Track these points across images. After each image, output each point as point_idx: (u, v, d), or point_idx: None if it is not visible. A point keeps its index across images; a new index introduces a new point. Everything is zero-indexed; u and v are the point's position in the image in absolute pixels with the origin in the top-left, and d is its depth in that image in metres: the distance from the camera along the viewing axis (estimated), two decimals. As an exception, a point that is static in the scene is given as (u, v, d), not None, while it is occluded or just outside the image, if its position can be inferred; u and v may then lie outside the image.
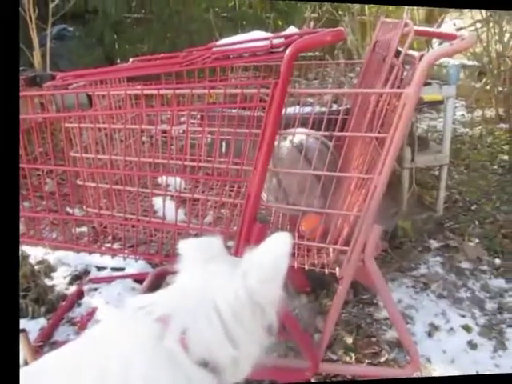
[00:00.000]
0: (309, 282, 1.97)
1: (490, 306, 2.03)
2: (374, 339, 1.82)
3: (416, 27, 1.54)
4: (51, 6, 3.33)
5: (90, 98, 1.27)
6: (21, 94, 1.29)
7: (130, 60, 1.33)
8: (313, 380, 1.53)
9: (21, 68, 1.51)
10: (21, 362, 1.47)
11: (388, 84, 1.36)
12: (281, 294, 0.83)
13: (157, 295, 0.86)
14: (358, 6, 4.09)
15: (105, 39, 4.69)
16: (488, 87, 4.43)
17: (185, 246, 0.90)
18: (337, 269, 1.37)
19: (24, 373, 0.80)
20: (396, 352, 1.75)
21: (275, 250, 0.84)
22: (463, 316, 1.96)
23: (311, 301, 1.99)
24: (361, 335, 1.85)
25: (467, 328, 1.89)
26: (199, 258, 0.88)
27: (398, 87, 1.34)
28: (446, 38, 1.47)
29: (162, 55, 1.30)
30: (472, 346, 1.80)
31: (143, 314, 0.80)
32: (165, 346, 0.77)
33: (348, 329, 1.87)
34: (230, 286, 0.82)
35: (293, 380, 1.40)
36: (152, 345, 0.77)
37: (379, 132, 1.29)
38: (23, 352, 1.46)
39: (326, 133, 1.22)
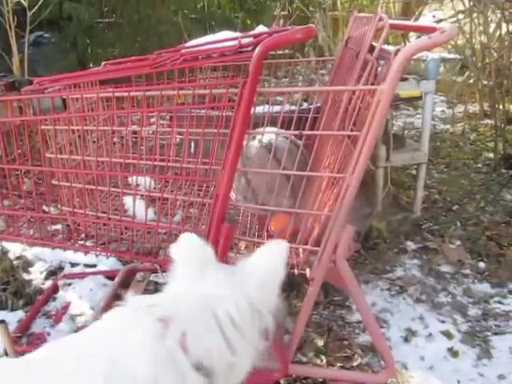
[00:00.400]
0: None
1: (474, 311, 2.12)
2: (346, 342, 1.93)
3: (391, 21, 1.65)
4: (29, 14, 3.78)
5: (64, 101, 1.40)
6: (0, 98, 1.42)
7: (102, 63, 1.45)
8: (282, 382, 1.64)
9: (1, 74, 1.67)
10: (0, 351, 1.70)
11: (361, 81, 1.46)
12: (277, 300, 0.94)
13: (158, 297, 0.94)
14: (329, 1, 4.25)
15: (78, 44, 5.26)
16: (471, 81, 4.62)
17: (179, 249, 0.99)
18: (307, 270, 1.47)
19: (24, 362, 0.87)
20: (370, 356, 1.85)
21: (272, 258, 0.94)
22: (443, 322, 2.04)
23: (281, 301, 2.10)
24: (332, 338, 1.95)
25: (448, 334, 1.96)
26: (194, 262, 0.96)
27: (372, 84, 1.44)
28: (424, 31, 1.56)
29: (132, 58, 1.42)
30: (453, 353, 1.87)
31: (145, 313, 0.87)
32: (165, 345, 0.83)
33: (319, 331, 1.97)
34: (230, 294, 0.90)
35: (261, 381, 1.50)
36: (152, 342, 0.83)
37: (352, 130, 1.40)
38: (3, 342, 1.61)
39: (296, 132, 1.33)
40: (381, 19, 1.56)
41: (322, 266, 1.44)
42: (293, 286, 2.12)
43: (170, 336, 0.84)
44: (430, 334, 1.97)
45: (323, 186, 1.45)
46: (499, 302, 2.19)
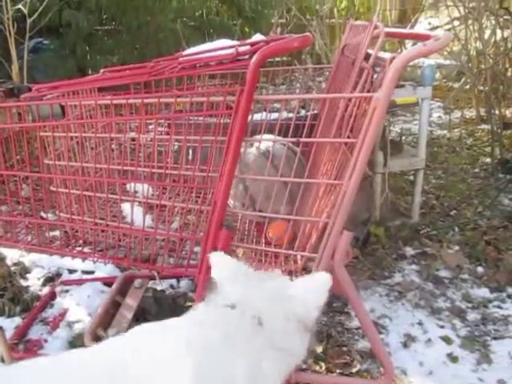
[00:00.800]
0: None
1: (473, 316, 2.12)
2: (345, 348, 1.93)
3: (387, 29, 1.66)
4: (29, 21, 3.82)
5: (63, 108, 1.41)
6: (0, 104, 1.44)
7: (101, 71, 1.46)
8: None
9: (0, 80, 1.69)
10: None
11: (357, 88, 1.47)
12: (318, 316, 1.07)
13: (237, 295, 1.05)
14: (326, 9, 4.28)
15: (77, 51, 5.33)
16: (467, 87, 4.65)
17: (220, 266, 1.12)
18: (305, 276, 1.47)
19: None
20: (369, 363, 1.85)
21: (318, 286, 1.08)
22: (442, 327, 2.04)
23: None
24: (331, 344, 1.95)
25: (447, 339, 1.96)
26: (239, 272, 1.11)
27: (368, 91, 1.45)
28: (418, 38, 1.57)
29: (131, 66, 1.43)
30: (452, 358, 1.87)
31: (231, 310, 1.01)
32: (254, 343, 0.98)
33: (318, 337, 1.96)
34: (280, 308, 1.04)
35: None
36: (245, 340, 0.98)
37: (349, 137, 1.41)
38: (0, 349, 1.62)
39: (293, 139, 1.33)
40: (376, 27, 1.58)
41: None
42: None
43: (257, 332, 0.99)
44: (429, 340, 1.97)
45: (321, 193, 1.45)
46: (498, 307, 2.20)
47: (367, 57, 1.54)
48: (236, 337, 0.98)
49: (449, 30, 4.40)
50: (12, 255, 2.47)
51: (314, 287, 1.08)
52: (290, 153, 1.53)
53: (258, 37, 1.36)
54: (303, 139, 1.36)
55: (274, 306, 1.03)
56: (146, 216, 1.51)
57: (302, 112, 2.24)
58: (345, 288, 1.49)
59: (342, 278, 1.47)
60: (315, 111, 1.77)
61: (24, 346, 1.93)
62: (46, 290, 2.30)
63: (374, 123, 1.28)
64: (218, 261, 1.14)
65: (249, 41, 1.33)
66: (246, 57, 1.27)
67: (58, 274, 2.42)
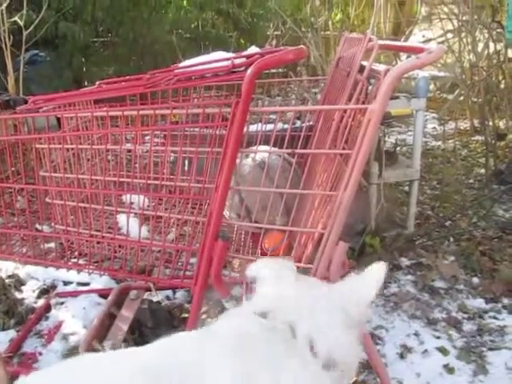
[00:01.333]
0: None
1: (469, 327, 2.12)
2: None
3: (381, 41, 1.68)
4: (25, 33, 3.86)
5: (59, 120, 1.42)
6: None
7: (97, 83, 1.47)
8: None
9: None
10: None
11: (352, 100, 1.49)
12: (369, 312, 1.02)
13: (274, 302, 1.00)
14: (321, 21, 4.33)
15: (73, 63, 5.37)
16: (461, 98, 4.69)
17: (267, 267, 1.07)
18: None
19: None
20: (365, 374, 1.83)
21: (370, 278, 1.04)
22: (438, 338, 2.04)
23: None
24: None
25: (443, 350, 1.96)
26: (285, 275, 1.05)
27: (363, 102, 1.47)
28: (412, 51, 1.59)
29: (126, 78, 1.44)
30: (449, 369, 1.87)
31: (268, 319, 0.95)
32: (297, 350, 0.91)
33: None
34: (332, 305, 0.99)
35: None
36: (284, 350, 0.91)
37: (344, 148, 1.42)
38: (-6, 363, 1.59)
39: (289, 150, 1.34)
40: (370, 40, 1.60)
41: (315, 283, 1.43)
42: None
43: (301, 340, 0.92)
44: (426, 351, 1.97)
45: (316, 203, 1.46)
46: (494, 318, 2.19)
47: (361, 69, 1.56)
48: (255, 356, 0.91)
49: (442, 42, 4.45)
50: (7, 267, 2.46)
51: (364, 281, 1.03)
52: (286, 164, 1.53)
53: (253, 49, 1.37)
54: (298, 150, 1.37)
55: (321, 313, 0.97)
56: (142, 227, 1.51)
57: (298, 123, 2.25)
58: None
59: (337, 288, 1.46)
60: (311, 122, 1.78)
61: (18, 360, 1.92)
62: (41, 302, 2.29)
63: (368, 134, 1.29)
64: (263, 261, 1.10)
65: (244, 53, 1.34)
66: (242, 69, 1.28)
67: (53, 286, 2.41)
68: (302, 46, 1.33)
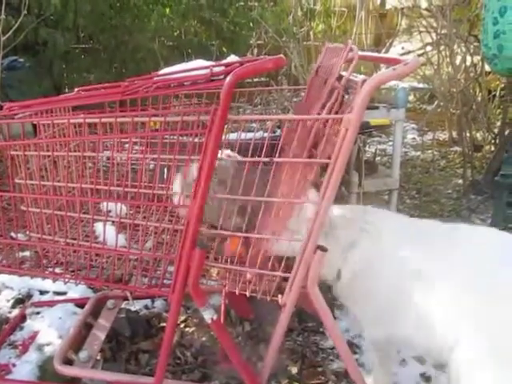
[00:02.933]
0: (252, 309, 2.08)
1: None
2: (320, 369, 1.93)
3: (361, 52, 1.70)
4: (3, 38, 3.78)
5: (34, 126, 1.39)
6: None
7: (75, 90, 1.45)
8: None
9: None
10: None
11: (325, 108, 1.50)
12: None
13: None
14: (303, 31, 4.38)
15: (54, 69, 5.28)
16: (440, 110, 4.78)
17: None
18: (279, 296, 1.47)
19: None
20: (344, 383, 1.85)
21: None
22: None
23: (254, 328, 2.09)
24: (306, 365, 1.94)
25: (421, 359, 1.97)
26: None
27: (337, 112, 1.48)
28: (389, 62, 1.62)
29: (105, 85, 1.42)
30: (426, 378, 1.89)
31: None
32: None
33: (293, 357, 1.97)
34: None
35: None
36: None
37: (312, 154, 1.42)
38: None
39: (266, 159, 1.34)
40: (351, 50, 1.61)
41: (293, 292, 1.44)
42: (267, 312, 2.11)
43: None
44: (403, 360, 1.97)
45: (284, 211, 1.46)
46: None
47: (340, 78, 1.57)
48: None
49: (421, 54, 4.54)
50: (-20, 277, 2.40)
51: None
52: (237, 165, 1.52)
53: (232, 58, 1.38)
54: (276, 159, 1.37)
55: None
56: (119, 235, 1.49)
57: (278, 131, 2.26)
58: (318, 308, 1.49)
59: (315, 297, 1.47)
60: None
61: (-9, 371, 1.87)
62: (16, 312, 2.23)
63: (345, 144, 1.31)
64: None
65: (223, 62, 1.34)
66: (221, 77, 1.28)
67: (29, 296, 2.35)
68: (281, 55, 1.33)
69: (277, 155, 1.38)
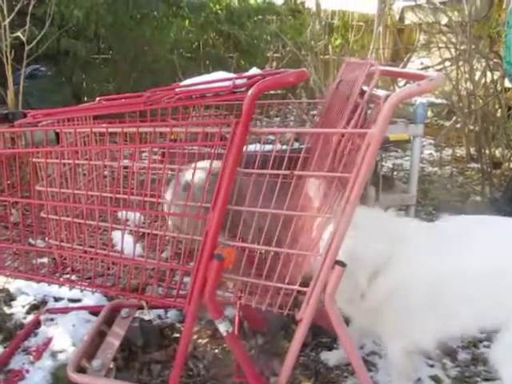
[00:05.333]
0: (265, 322, 2.06)
1: (463, 356, 2.09)
2: (333, 386, 1.89)
3: (382, 67, 1.70)
4: (27, 48, 3.92)
5: (57, 134, 1.41)
6: None
7: (97, 99, 1.47)
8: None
9: None
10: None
11: (351, 123, 1.49)
12: None
13: None
14: (321, 45, 4.40)
15: (73, 78, 5.42)
16: (458, 126, 4.74)
17: None
18: (296, 310, 1.46)
19: None
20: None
21: None
22: (432, 366, 2.01)
23: (268, 342, 2.07)
24: (320, 381, 1.91)
25: (437, 379, 1.93)
26: None
27: (362, 126, 1.47)
28: (413, 78, 1.61)
29: (127, 95, 1.44)
30: (441, 397, 1.84)
31: None
32: None
33: (306, 373, 1.93)
34: None
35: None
36: None
37: (341, 171, 1.41)
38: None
39: (287, 172, 1.34)
40: (372, 65, 1.61)
41: (310, 307, 1.42)
42: (280, 326, 2.09)
43: None
44: (419, 379, 1.94)
45: (305, 225, 1.45)
46: (488, 347, 2.16)
47: (361, 93, 1.57)
48: None
49: (440, 70, 4.51)
50: (-3, 281, 2.43)
51: None
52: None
53: (254, 70, 1.39)
54: (297, 172, 1.37)
55: None
56: (136, 245, 1.50)
57: (296, 145, 2.25)
58: (334, 323, 1.47)
59: (332, 313, 1.45)
60: (308, 144, 1.78)
61: (4, 376, 1.87)
62: (31, 318, 2.24)
63: (367, 158, 1.30)
64: None
65: (245, 74, 1.35)
66: (243, 89, 1.29)
67: (44, 302, 2.37)
68: (303, 69, 1.33)
69: (297, 168, 1.38)
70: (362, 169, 1.30)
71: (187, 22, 6.16)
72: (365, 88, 1.57)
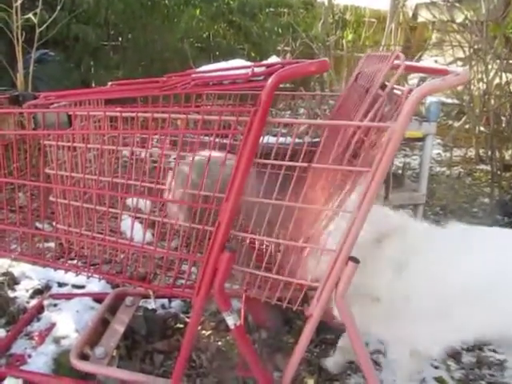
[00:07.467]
0: (269, 317, 2.03)
1: (468, 359, 2.08)
2: (337, 383, 1.87)
3: (407, 62, 1.65)
4: (37, 31, 3.90)
5: (69, 117, 1.37)
6: (5, 110, 1.39)
7: (109, 83, 1.42)
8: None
9: (4, 88, 1.65)
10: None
11: (368, 116, 1.45)
12: None
13: None
14: (333, 40, 4.35)
15: (82, 64, 5.43)
16: (467, 126, 4.69)
17: None
18: (305, 306, 1.42)
19: None
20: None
21: None
22: (437, 367, 2.00)
23: (271, 337, 2.05)
24: (323, 378, 1.89)
25: (441, 381, 1.92)
26: None
27: (380, 120, 1.43)
28: (437, 73, 1.57)
29: (141, 80, 1.40)
30: (445, 397, 1.83)
31: None
32: None
33: (310, 369, 1.92)
34: None
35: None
36: None
37: (351, 163, 1.38)
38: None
39: (305, 164, 1.30)
40: (397, 58, 1.56)
41: (321, 303, 1.38)
42: (285, 321, 2.07)
43: None
44: (424, 380, 1.92)
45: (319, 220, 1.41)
46: (493, 351, 2.15)
47: (383, 86, 1.53)
48: None
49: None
50: (1, 265, 2.41)
51: None
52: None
53: (273, 59, 1.35)
54: (315, 164, 1.33)
55: None
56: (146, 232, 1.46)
57: (306, 138, 2.21)
58: (345, 321, 1.44)
59: (342, 310, 1.41)
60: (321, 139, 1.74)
61: (6, 361, 1.85)
62: (34, 302, 2.22)
63: (387, 154, 1.25)
64: None
65: (264, 62, 1.31)
66: (261, 78, 1.25)
67: (48, 287, 2.35)
68: (325, 58, 1.29)
69: (315, 161, 1.34)
70: (382, 164, 1.25)
71: (198, 11, 6.11)
72: (386, 83, 1.53)
